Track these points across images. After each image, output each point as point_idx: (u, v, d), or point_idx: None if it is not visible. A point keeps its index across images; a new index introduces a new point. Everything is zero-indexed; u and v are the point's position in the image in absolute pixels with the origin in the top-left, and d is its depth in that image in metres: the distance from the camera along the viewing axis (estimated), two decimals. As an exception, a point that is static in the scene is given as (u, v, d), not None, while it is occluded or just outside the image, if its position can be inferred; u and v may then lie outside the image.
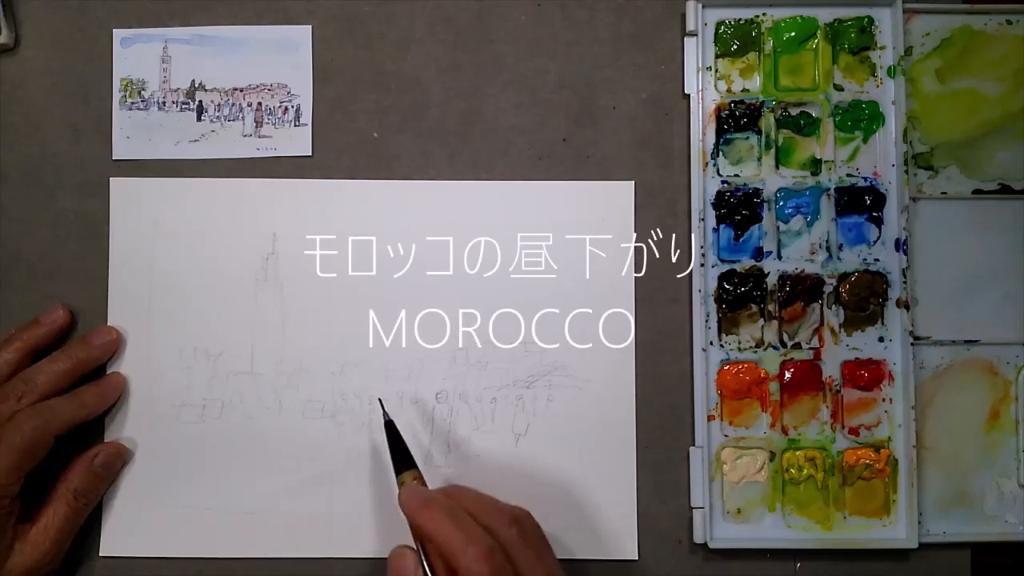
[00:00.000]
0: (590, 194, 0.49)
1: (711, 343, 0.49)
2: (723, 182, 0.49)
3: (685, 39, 0.50)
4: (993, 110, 0.50)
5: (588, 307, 0.49)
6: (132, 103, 0.50)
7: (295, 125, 0.50)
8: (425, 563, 0.39)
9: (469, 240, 0.49)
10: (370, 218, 0.49)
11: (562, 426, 0.48)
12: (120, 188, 0.50)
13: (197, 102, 0.50)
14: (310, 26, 0.50)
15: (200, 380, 0.48)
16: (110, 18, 0.50)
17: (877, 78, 0.50)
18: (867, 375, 0.49)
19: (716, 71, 0.50)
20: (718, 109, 0.50)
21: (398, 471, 0.43)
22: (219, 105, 0.50)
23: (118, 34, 0.50)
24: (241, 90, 0.50)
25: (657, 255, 0.49)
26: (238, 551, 0.48)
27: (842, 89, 0.50)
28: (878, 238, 0.49)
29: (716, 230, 0.49)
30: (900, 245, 0.49)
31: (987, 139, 0.50)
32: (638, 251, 0.49)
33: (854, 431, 0.49)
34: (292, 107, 0.50)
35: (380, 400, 0.46)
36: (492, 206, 0.49)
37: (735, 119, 0.50)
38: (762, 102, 0.50)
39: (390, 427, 0.44)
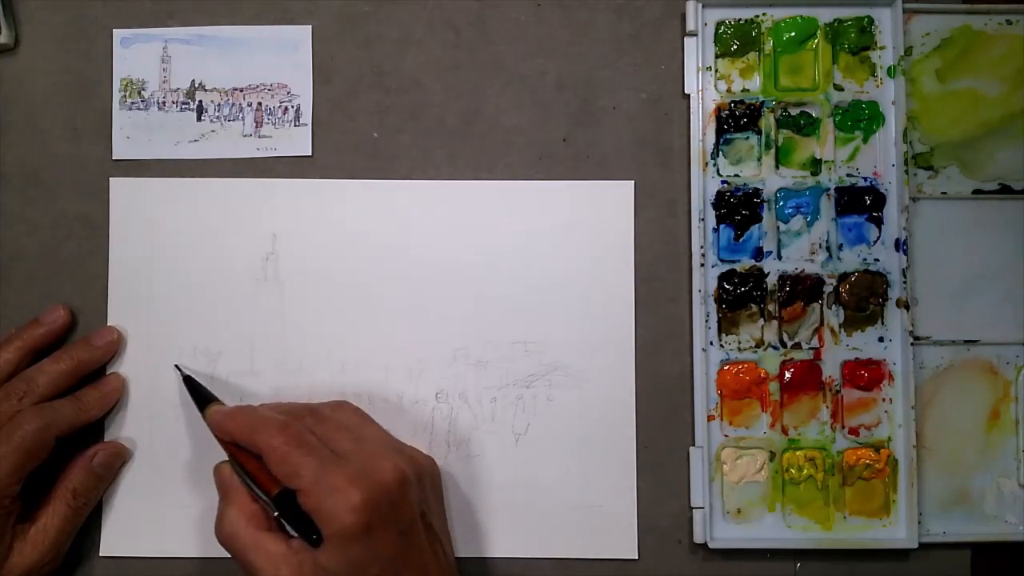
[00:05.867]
0: (590, 194, 0.49)
1: (711, 343, 0.49)
2: (723, 182, 0.49)
3: (685, 39, 0.50)
4: (993, 110, 0.50)
5: (588, 307, 0.49)
6: (132, 103, 0.50)
7: (295, 125, 0.50)
8: (237, 466, 0.43)
9: (469, 240, 0.49)
10: (370, 218, 0.49)
11: (562, 426, 0.48)
12: (120, 188, 0.50)
13: (197, 102, 0.50)
14: (310, 26, 0.50)
15: (200, 380, 0.48)
16: (110, 18, 0.50)
17: (877, 78, 0.50)
18: (867, 375, 0.49)
19: (716, 71, 0.50)
20: (718, 109, 0.50)
21: (202, 408, 0.45)
22: (219, 105, 0.50)
23: (118, 34, 0.50)
24: (241, 90, 0.50)
25: (657, 255, 0.49)
26: (238, 551, 0.48)
27: (842, 89, 0.50)
28: (878, 238, 0.49)
29: (716, 230, 0.49)
30: (900, 245, 0.49)
31: (987, 139, 0.50)
32: (638, 251, 0.49)
33: (854, 431, 0.49)
34: (292, 107, 0.50)
35: (176, 365, 0.48)
36: (492, 206, 0.49)
37: (735, 119, 0.50)
38: (762, 102, 0.50)
39: (188, 380, 0.47)
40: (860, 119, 0.50)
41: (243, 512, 0.41)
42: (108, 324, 0.49)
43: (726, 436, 0.49)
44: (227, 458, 0.44)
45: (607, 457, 0.48)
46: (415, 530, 0.42)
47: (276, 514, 0.41)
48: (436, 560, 0.42)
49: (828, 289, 0.49)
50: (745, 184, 0.49)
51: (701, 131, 0.49)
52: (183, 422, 0.48)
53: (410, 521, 0.41)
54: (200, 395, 0.46)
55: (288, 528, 0.41)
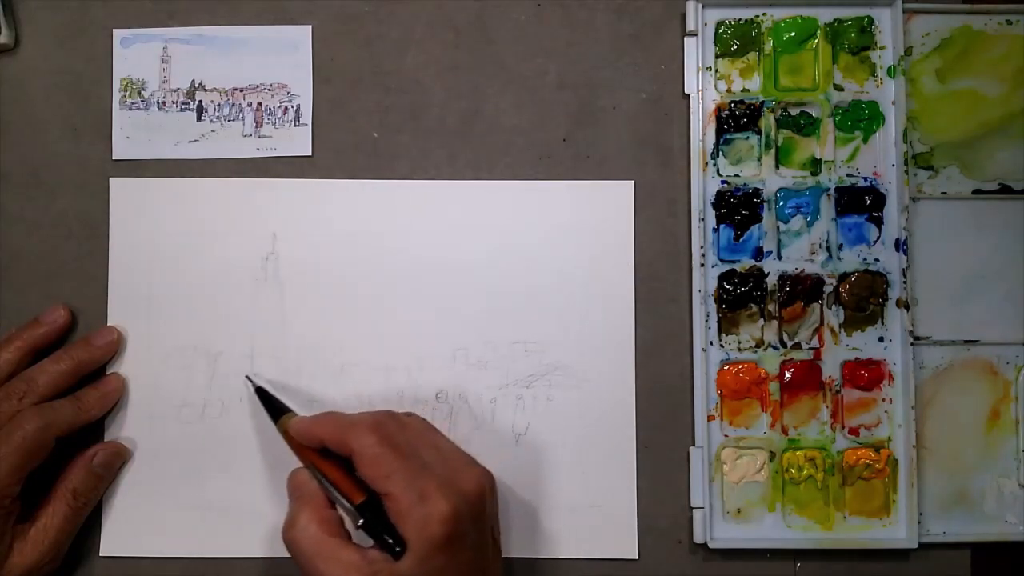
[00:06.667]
0: (590, 194, 0.49)
1: (711, 343, 0.49)
2: (723, 182, 0.49)
3: (685, 39, 0.50)
4: (993, 110, 0.50)
5: (588, 307, 0.49)
6: (132, 103, 0.50)
7: (295, 125, 0.50)
8: (318, 473, 0.42)
9: (469, 240, 0.49)
10: (370, 218, 0.49)
11: (562, 426, 0.48)
12: (120, 188, 0.50)
13: (197, 102, 0.50)
14: (310, 26, 0.50)
15: (200, 380, 0.48)
16: (110, 18, 0.50)
17: (877, 78, 0.50)
18: (867, 375, 0.49)
19: (716, 71, 0.50)
20: (718, 109, 0.50)
21: (276, 419, 0.45)
22: (219, 105, 0.50)
23: (118, 34, 0.50)
24: (241, 90, 0.50)
25: (657, 255, 0.49)
26: (238, 551, 0.48)
27: (842, 89, 0.50)
28: (878, 238, 0.49)
29: (716, 230, 0.49)
30: (900, 245, 0.49)
31: (987, 139, 0.50)
32: (638, 251, 0.49)
33: (854, 431, 0.49)
34: (292, 107, 0.50)
35: (247, 376, 0.48)
36: (492, 206, 0.49)
37: (735, 119, 0.50)
38: (762, 102, 0.50)
39: (261, 392, 0.47)
40: (860, 119, 0.50)
41: (316, 516, 0.41)
42: (108, 324, 0.49)
43: (726, 436, 0.49)
44: (301, 466, 0.43)
45: (607, 457, 0.48)
46: (487, 543, 0.41)
47: (360, 523, 0.40)
48: (498, 574, 0.42)
49: (828, 289, 0.49)
50: (745, 184, 0.49)
51: (701, 131, 0.49)
52: (185, 423, 0.48)
53: (485, 534, 0.41)
54: (273, 406, 0.46)
55: (368, 538, 0.40)
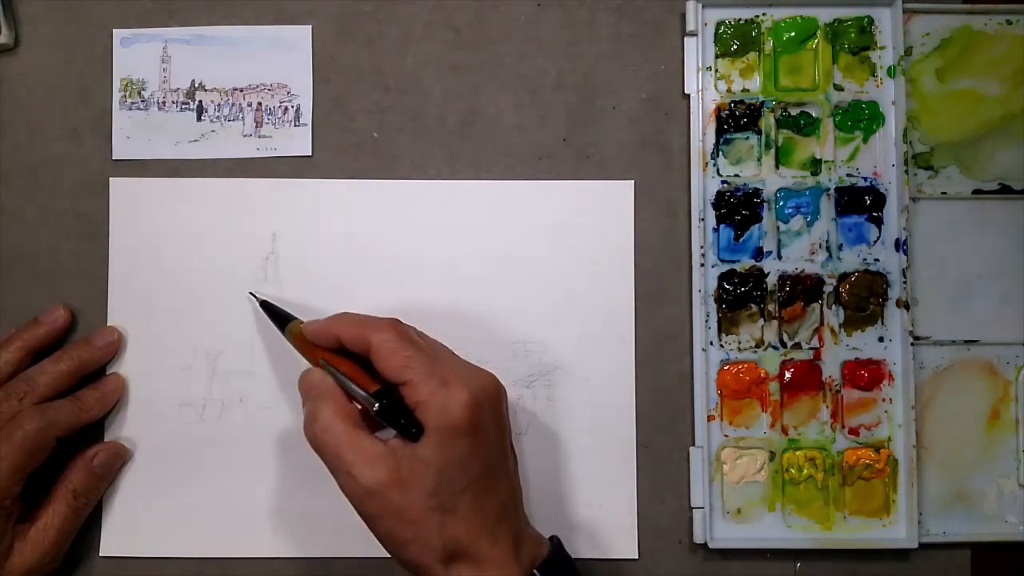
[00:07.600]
0: (590, 194, 0.49)
1: (711, 343, 0.49)
2: (723, 182, 0.49)
3: (685, 39, 0.50)
4: (993, 110, 0.50)
5: (588, 306, 0.49)
6: (132, 103, 0.50)
7: (295, 125, 0.50)
8: (332, 369, 0.42)
9: (469, 240, 0.49)
10: (370, 218, 0.49)
11: (562, 426, 0.48)
12: (120, 188, 0.50)
13: (197, 102, 0.50)
14: (310, 26, 0.50)
15: (200, 380, 0.48)
16: (110, 18, 0.50)
17: (877, 78, 0.50)
18: (867, 375, 0.49)
19: (716, 71, 0.50)
20: (718, 109, 0.50)
21: (283, 327, 0.46)
22: (219, 105, 0.50)
23: (118, 34, 0.50)
24: (241, 90, 0.50)
25: (657, 255, 0.49)
26: (238, 551, 0.48)
27: (842, 89, 0.50)
28: (878, 238, 0.49)
29: (716, 230, 0.49)
30: (900, 245, 0.49)
31: (987, 139, 0.50)
32: (638, 251, 0.49)
33: (854, 431, 0.49)
34: (292, 107, 0.50)
35: (251, 292, 0.48)
36: (492, 206, 0.49)
37: (735, 119, 0.50)
38: (762, 102, 0.50)
39: (266, 305, 0.47)
40: (860, 119, 0.50)
41: (339, 411, 0.40)
42: (108, 324, 0.49)
43: (726, 436, 0.49)
44: (310, 368, 0.43)
45: (607, 457, 0.48)
46: (505, 440, 0.42)
47: (375, 408, 0.40)
48: (517, 477, 0.43)
49: (828, 289, 0.49)
50: (745, 184, 0.49)
51: (701, 131, 0.49)
52: (185, 423, 0.48)
53: (504, 431, 0.42)
54: (280, 316, 0.46)
55: (385, 426, 0.40)
